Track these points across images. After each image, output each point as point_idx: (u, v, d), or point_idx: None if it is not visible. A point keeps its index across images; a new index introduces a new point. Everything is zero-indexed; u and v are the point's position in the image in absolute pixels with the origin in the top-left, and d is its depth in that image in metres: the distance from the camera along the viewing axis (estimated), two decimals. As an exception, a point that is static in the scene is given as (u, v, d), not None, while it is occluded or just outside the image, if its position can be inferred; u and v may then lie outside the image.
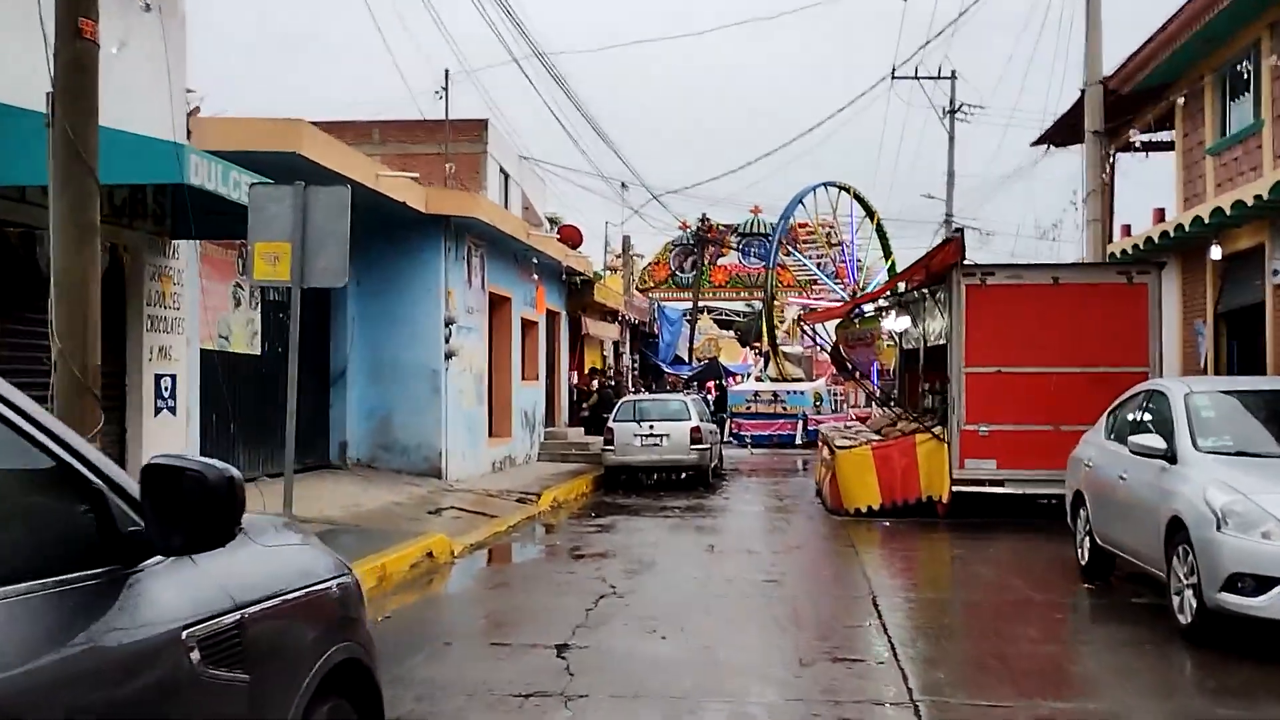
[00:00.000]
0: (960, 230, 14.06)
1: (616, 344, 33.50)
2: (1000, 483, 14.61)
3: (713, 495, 18.63)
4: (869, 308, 16.93)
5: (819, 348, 20.79)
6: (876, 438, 16.51)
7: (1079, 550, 10.37)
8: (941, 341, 16.18)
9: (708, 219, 43.32)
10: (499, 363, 21.15)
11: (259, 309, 14.43)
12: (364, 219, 16.71)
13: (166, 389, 11.72)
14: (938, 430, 14.94)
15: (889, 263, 40.24)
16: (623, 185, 37.41)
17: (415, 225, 16.88)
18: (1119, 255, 18.21)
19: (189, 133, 12.09)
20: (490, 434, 20.35)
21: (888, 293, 16.65)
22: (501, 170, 38.03)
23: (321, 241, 9.40)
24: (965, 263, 14.58)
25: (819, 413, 33.62)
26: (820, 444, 18.87)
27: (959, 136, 40.38)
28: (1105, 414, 10.64)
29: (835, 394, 35.94)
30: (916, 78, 40.32)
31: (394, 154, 27.64)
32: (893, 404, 23.66)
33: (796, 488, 20.08)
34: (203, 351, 13.01)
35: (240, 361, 14.06)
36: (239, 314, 14.09)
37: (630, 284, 37.16)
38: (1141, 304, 14.52)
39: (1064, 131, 23.90)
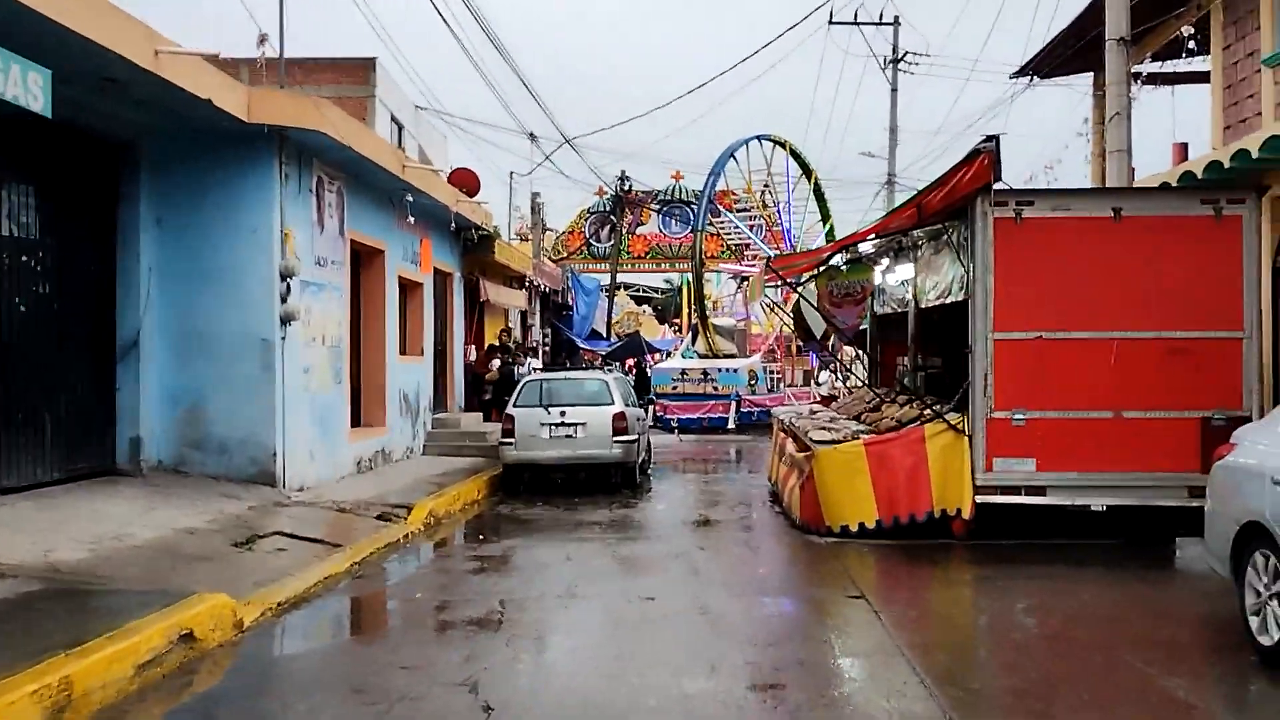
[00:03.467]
0: (994, 139, 9.90)
1: (524, 314, 29.04)
2: (1041, 490, 10.67)
3: (642, 501, 14.40)
4: (863, 247, 12.72)
5: (777, 309, 16.64)
6: (860, 427, 12.43)
7: (1254, 619, 6.37)
8: (947, 299, 12.14)
9: (627, 177, 38.96)
10: (369, 332, 16.62)
11: (-21, 247, 9.75)
12: (159, 125, 11.77)
13: None
14: (954, 419, 10.88)
15: (827, 226, 36.41)
16: (531, 136, 32.89)
17: (237, 141, 12.28)
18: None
19: None
20: (356, 423, 15.84)
21: (875, 236, 12.46)
22: (394, 120, 33.43)
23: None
24: (998, 187, 10.50)
25: (754, 393, 29.75)
26: (779, 435, 14.73)
27: (903, 89, 36.66)
28: (1302, 398, 6.63)
29: (771, 372, 31.99)
30: (856, 23, 36.68)
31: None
32: (838, 378, 19.74)
33: (743, 488, 15.94)
34: None
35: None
36: (-58, 253, 9.41)
37: (540, 246, 32.68)
38: (1233, 245, 10.63)
39: (1056, 56, 20.10)
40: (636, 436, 15.80)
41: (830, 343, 16.80)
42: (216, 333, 12.46)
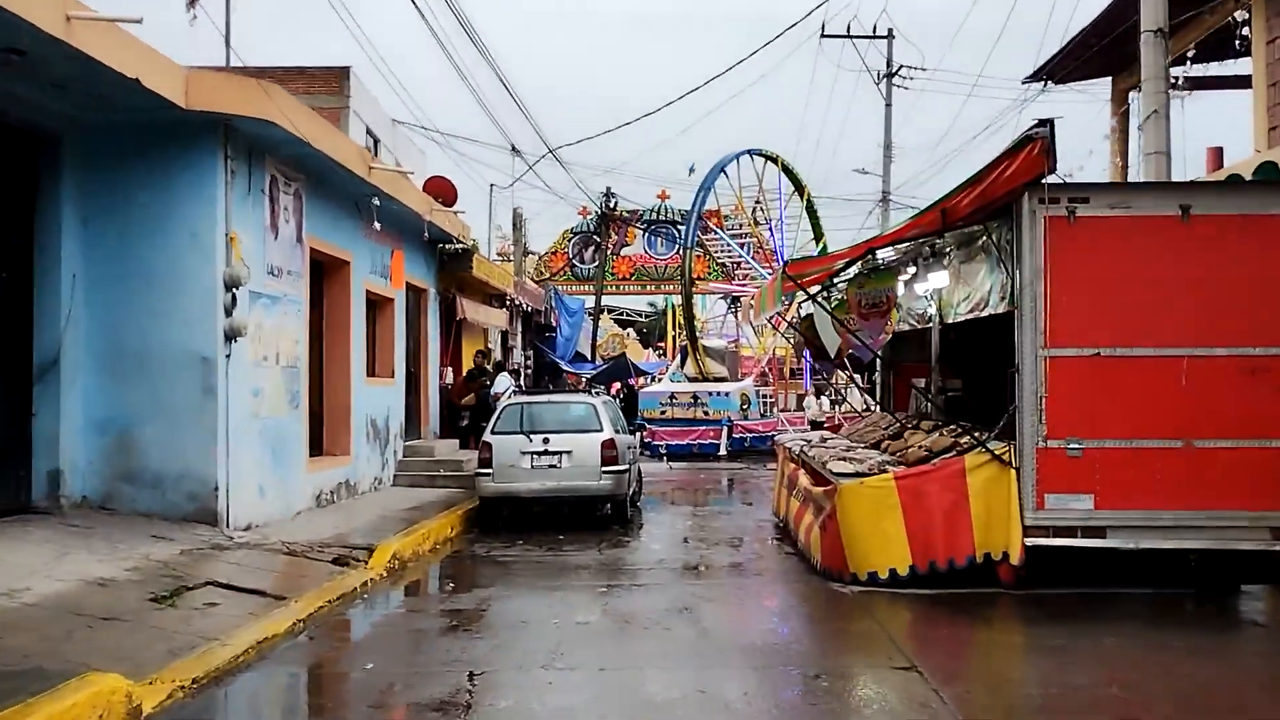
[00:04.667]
0: (1048, 123, 8.47)
1: (505, 334, 27.53)
2: (1100, 531, 9.20)
3: (634, 540, 12.90)
4: (883, 254, 11.24)
5: (781, 323, 15.07)
6: (884, 457, 10.95)
7: None
8: (983, 312, 10.70)
9: (612, 194, 37.61)
10: (332, 351, 15.10)
11: None
12: (84, 112, 10.19)
13: None
14: (999, 448, 9.42)
15: (820, 245, 35.09)
16: (513, 149, 31.48)
17: (174, 131, 10.83)
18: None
19: None
20: (316, 452, 14.30)
21: (895, 243, 10.99)
22: (369, 133, 31.89)
23: None
24: (1049, 181, 9.08)
25: (746, 418, 28.33)
26: (788, 465, 13.25)
27: (898, 105, 35.57)
28: None
29: (764, 396, 30.55)
30: (849, 36, 35.57)
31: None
32: (826, 403, 18.31)
33: (745, 523, 14.44)
34: None
35: None
36: None
37: (521, 264, 31.24)
38: (1320, 248, 9.23)
39: (1074, 58, 18.82)
40: (627, 466, 14.30)
41: (843, 362, 15.28)
42: (150, 350, 10.93)
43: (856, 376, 26.33)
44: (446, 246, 19.68)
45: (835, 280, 12.15)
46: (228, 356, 11.13)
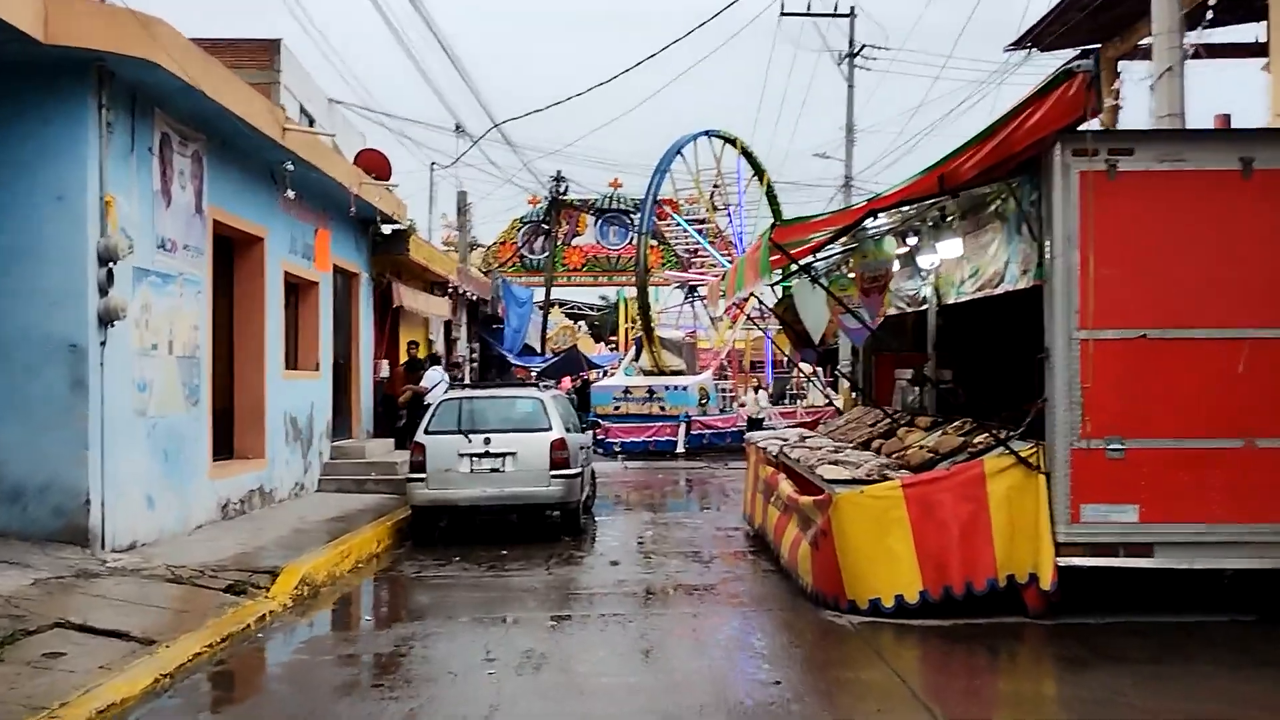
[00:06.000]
0: (1093, 53, 6.90)
1: (449, 324, 25.71)
2: (1146, 548, 7.73)
3: (589, 556, 11.25)
4: (873, 223, 9.54)
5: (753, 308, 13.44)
6: (881, 460, 9.37)
7: None
8: (996, 288, 9.14)
9: (563, 178, 35.91)
10: (243, 340, 13.27)
11: None
12: None
13: None
14: (1025, 450, 7.89)
15: (781, 233, 33.58)
16: (457, 128, 29.66)
17: (35, 72, 9.02)
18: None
19: None
20: (224, 454, 12.50)
21: (889, 207, 9.34)
22: (303, 112, 29.75)
23: None
24: (1086, 129, 7.56)
25: (705, 413, 26.81)
26: (765, 469, 11.63)
27: (861, 86, 34.16)
28: None
29: (723, 390, 29.03)
30: (809, 14, 34.13)
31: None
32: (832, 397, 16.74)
33: (713, 532, 12.83)
34: None
35: None
36: None
37: (467, 249, 29.44)
38: (1403, 210, 7.78)
39: (1064, 22, 17.41)
40: (580, 469, 12.66)
41: (784, 358, 13.69)
42: (5, 336, 9.11)
43: (819, 370, 24.72)
44: (380, 226, 17.86)
45: (818, 253, 10.53)
46: (103, 344, 9.32)
